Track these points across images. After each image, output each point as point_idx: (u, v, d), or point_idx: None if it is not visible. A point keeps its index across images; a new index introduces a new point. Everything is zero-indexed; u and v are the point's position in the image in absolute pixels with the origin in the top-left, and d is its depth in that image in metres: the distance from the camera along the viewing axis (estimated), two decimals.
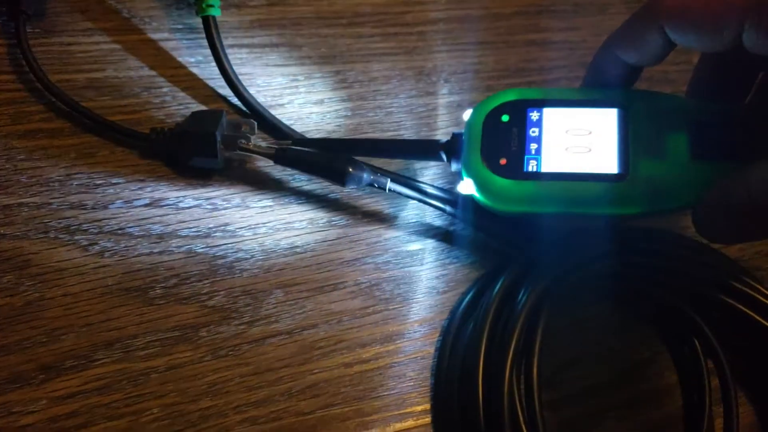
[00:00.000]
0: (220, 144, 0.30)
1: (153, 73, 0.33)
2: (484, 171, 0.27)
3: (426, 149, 0.30)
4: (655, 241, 0.32)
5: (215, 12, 0.32)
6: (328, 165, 0.30)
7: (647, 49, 0.26)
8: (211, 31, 0.32)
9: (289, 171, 0.31)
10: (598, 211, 0.27)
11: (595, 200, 0.27)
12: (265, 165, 0.32)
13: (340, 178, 0.30)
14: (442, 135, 0.35)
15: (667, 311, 0.32)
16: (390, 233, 0.32)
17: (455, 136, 0.29)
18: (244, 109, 0.33)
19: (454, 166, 0.29)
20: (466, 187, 0.28)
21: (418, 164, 0.33)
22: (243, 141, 0.30)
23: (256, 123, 0.31)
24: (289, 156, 0.30)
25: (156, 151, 0.31)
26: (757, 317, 0.30)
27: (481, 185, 0.28)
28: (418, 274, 0.31)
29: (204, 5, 0.31)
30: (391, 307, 0.31)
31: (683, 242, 0.32)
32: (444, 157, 0.29)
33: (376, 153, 0.32)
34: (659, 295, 0.32)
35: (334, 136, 0.34)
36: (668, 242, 0.32)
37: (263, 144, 0.31)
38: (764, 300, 0.30)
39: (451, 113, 0.36)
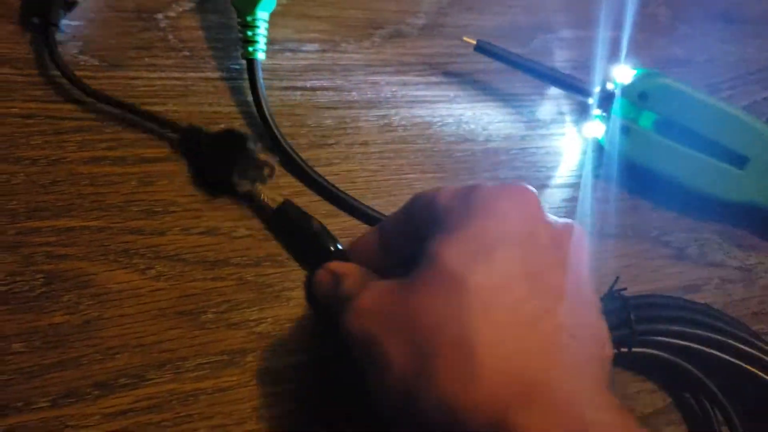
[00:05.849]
0: (236, 178, 0.31)
1: (210, 109, 0.34)
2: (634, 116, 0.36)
3: (581, 88, 0.38)
4: (664, 305, 0.34)
5: (258, 56, 0.34)
6: (311, 238, 0.32)
7: None
8: (253, 73, 0.33)
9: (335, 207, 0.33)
10: (713, 191, 0.36)
11: (714, 178, 0.36)
12: (310, 199, 0.33)
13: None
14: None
15: (674, 368, 0.33)
16: None
17: (611, 89, 0.38)
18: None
19: (596, 109, 0.38)
20: (594, 128, 0.38)
21: None
22: (258, 182, 0.32)
23: (276, 166, 0.32)
24: (283, 217, 0.32)
25: (183, 149, 0.33)
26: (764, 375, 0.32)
27: (627, 126, 0.37)
28: None
29: (250, 49, 0.33)
30: None
31: (691, 306, 0.34)
32: (594, 97, 0.38)
33: (540, 76, 0.38)
34: (667, 355, 0.33)
35: (379, 175, 0.35)
36: (676, 307, 0.34)
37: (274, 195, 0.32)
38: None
39: (488, 158, 0.37)
